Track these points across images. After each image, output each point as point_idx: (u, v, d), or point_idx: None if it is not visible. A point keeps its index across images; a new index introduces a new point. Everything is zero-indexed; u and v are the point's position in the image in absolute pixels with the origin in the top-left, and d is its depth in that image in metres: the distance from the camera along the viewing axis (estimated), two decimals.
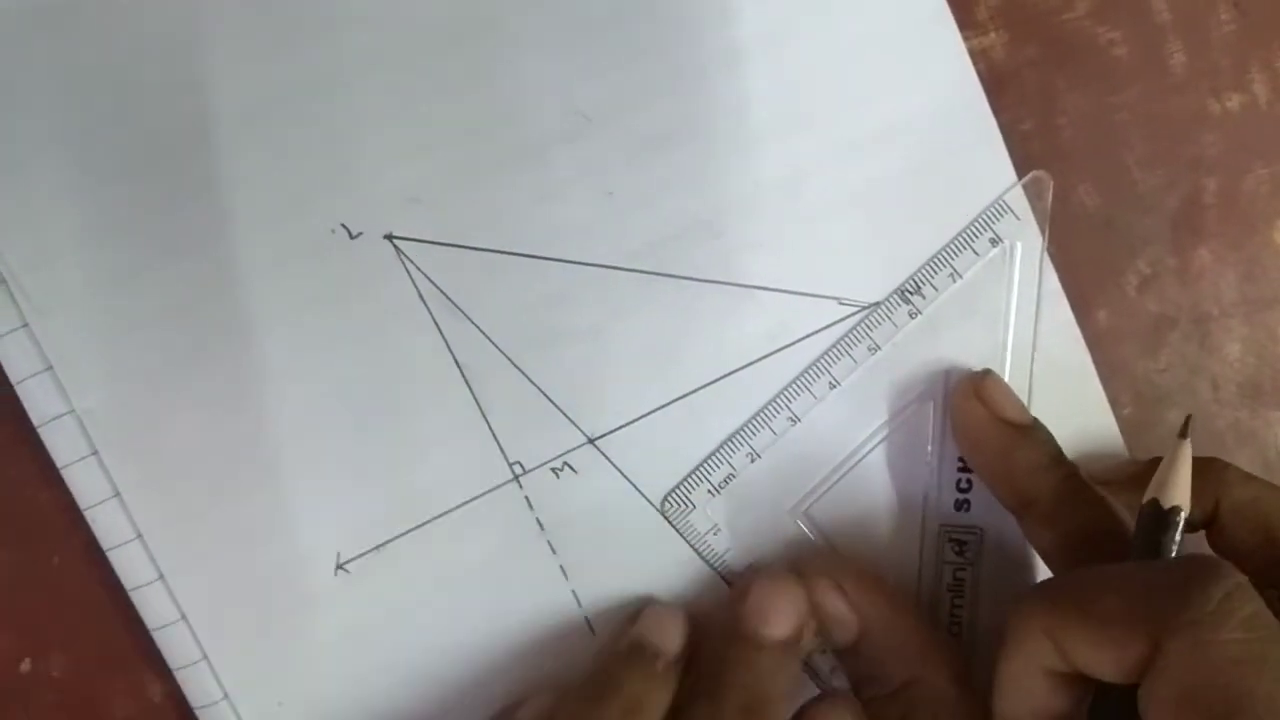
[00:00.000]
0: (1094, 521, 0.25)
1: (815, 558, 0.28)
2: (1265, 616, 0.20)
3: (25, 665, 0.28)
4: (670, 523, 0.28)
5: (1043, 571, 0.28)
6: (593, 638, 0.28)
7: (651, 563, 0.28)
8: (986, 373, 0.28)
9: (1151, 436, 0.30)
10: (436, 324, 0.28)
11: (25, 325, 0.27)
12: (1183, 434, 0.25)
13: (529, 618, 0.28)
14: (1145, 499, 0.24)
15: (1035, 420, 0.27)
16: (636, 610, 0.27)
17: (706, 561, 0.28)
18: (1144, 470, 0.28)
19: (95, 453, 0.27)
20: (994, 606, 0.29)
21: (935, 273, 0.28)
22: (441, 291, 0.28)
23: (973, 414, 0.27)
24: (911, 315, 0.28)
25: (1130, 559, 0.24)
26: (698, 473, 0.28)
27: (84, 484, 0.27)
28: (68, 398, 0.27)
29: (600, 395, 0.28)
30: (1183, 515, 0.24)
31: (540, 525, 0.28)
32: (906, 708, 0.26)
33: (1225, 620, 0.20)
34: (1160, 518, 0.24)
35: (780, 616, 0.25)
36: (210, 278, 0.27)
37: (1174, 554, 0.24)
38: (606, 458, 0.28)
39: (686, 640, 0.26)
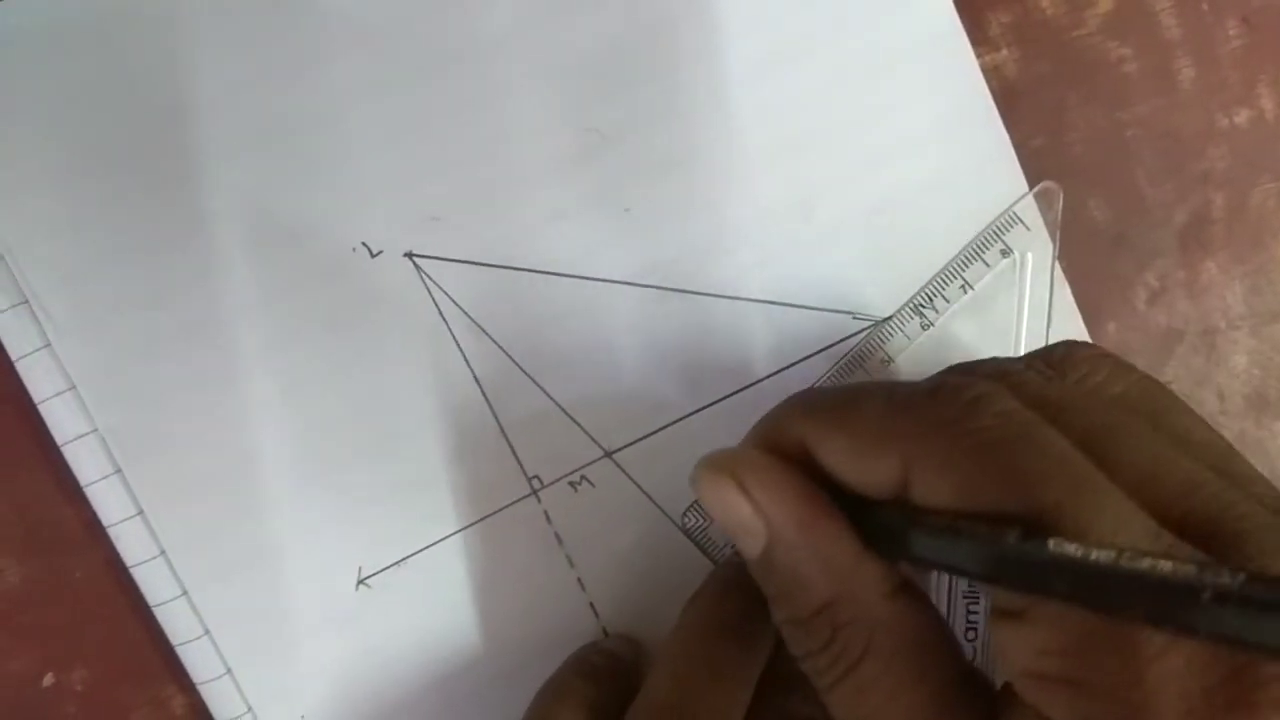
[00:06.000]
0: None
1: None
2: (1021, 413, 0.19)
3: (49, 679, 0.29)
4: (690, 537, 0.28)
5: None
6: None
7: (669, 575, 0.28)
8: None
9: None
10: (456, 340, 0.28)
11: (48, 345, 0.27)
12: None
13: (548, 630, 0.28)
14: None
15: None
16: None
17: None
18: None
19: (118, 471, 0.27)
20: None
21: (946, 284, 0.29)
22: (460, 308, 0.28)
23: None
24: (924, 328, 0.29)
25: None
26: None
27: (107, 502, 0.27)
28: (90, 417, 0.27)
29: (617, 409, 0.28)
30: None
31: (559, 538, 0.28)
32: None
33: (977, 414, 0.19)
34: None
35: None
36: (231, 298, 0.27)
37: None
38: (624, 471, 0.28)
39: None
